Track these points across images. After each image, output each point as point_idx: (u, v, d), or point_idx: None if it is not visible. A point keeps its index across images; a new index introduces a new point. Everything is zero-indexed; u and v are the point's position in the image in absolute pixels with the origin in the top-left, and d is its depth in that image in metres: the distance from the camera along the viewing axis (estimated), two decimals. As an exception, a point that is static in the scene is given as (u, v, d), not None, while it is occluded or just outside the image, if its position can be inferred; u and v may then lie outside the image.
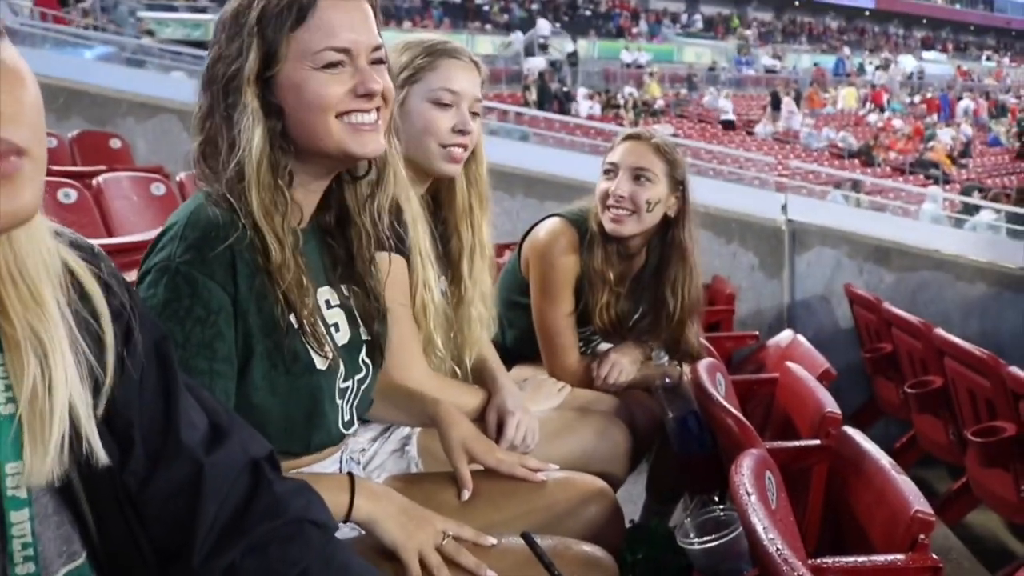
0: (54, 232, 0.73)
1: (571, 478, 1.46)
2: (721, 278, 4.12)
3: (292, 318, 1.11)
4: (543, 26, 19.97)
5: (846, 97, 22.19)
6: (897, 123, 20.71)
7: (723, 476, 1.45)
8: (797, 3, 31.39)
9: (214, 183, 1.11)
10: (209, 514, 0.79)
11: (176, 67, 8.44)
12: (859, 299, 4.08)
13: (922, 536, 1.25)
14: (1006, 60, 32.58)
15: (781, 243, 4.39)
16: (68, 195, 3.38)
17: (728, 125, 17.88)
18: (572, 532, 1.33)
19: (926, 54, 31.16)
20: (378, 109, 1.14)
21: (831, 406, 1.69)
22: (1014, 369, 2.65)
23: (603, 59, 21.35)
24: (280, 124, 1.11)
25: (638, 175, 2.05)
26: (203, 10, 14.49)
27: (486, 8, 23.09)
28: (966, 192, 11.77)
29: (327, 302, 1.22)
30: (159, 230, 1.13)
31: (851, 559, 1.27)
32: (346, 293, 1.25)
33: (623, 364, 2.07)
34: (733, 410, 1.62)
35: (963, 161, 19.14)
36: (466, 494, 1.36)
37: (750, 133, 18.09)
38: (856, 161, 17.58)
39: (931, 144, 19.04)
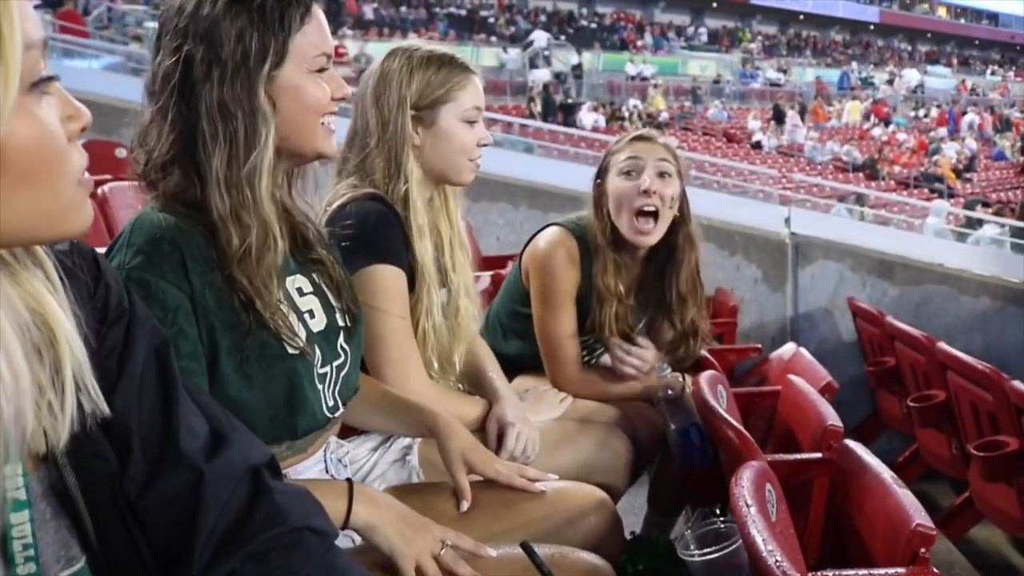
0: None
1: (571, 488, 1.45)
2: (724, 290, 4.12)
3: (258, 308, 1.12)
4: (540, 37, 20.00)
5: (850, 111, 22.23)
6: (901, 137, 20.73)
7: (725, 488, 1.45)
8: (802, 17, 31.49)
9: (182, 194, 1.12)
10: (209, 521, 0.79)
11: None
12: (862, 312, 4.07)
13: (923, 550, 1.24)
14: (1011, 75, 32.61)
15: (784, 256, 4.39)
16: (73, 203, 3.39)
17: (756, 146, 17.84)
18: (571, 542, 1.32)
19: (931, 68, 31.22)
20: None
21: (833, 419, 1.68)
22: (1017, 383, 2.64)
23: (608, 71, 21.41)
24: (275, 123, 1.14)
25: (662, 170, 2.03)
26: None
27: (491, 20, 23.20)
28: (970, 206, 11.77)
29: (299, 290, 1.24)
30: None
31: (852, 572, 1.26)
32: (317, 279, 1.27)
33: (646, 356, 2.08)
34: (734, 422, 1.62)
35: (967, 175, 19.15)
36: (465, 505, 1.36)
37: (754, 146, 18.11)
38: (860, 175, 17.60)
39: (935, 158, 19.06)
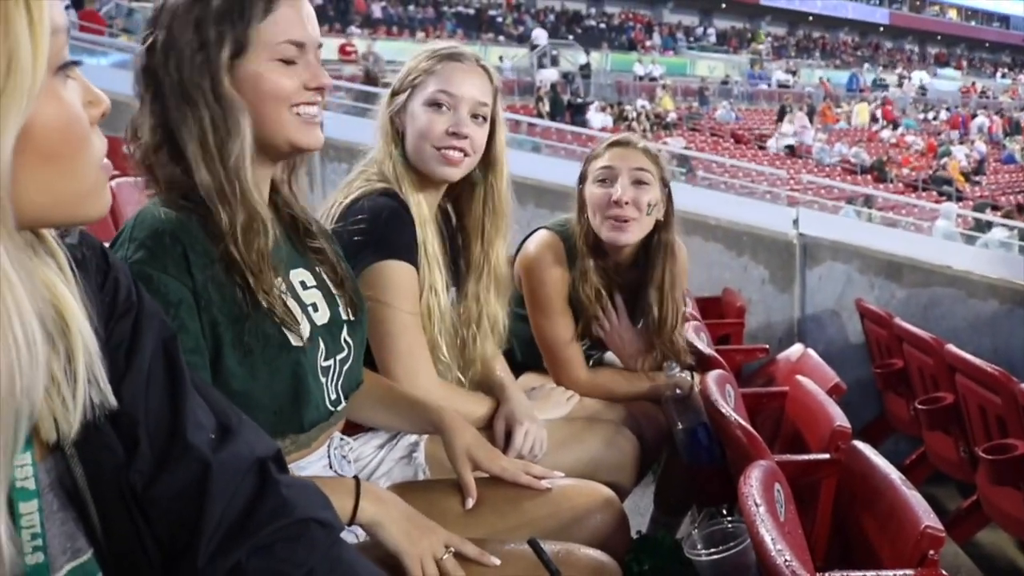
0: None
1: (577, 486, 1.45)
2: (732, 291, 4.11)
3: (261, 301, 1.12)
4: (540, 36, 19.97)
5: (859, 113, 22.17)
6: (910, 139, 20.67)
7: (732, 489, 1.44)
8: (811, 18, 31.42)
9: (178, 180, 1.14)
10: (215, 514, 0.78)
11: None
12: (870, 314, 4.06)
13: (932, 552, 1.23)
14: (1021, 77, 32.47)
15: (792, 257, 4.38)
16: (82, 199, 3.40)
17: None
18: (577, 540, 1.31)
19: (940, 71, 31.12)
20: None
21: (841, 420, 1.68)
22: (1026, 386, 2.63)
23: (616, 71, 21.39)
24: None
25: (638, 178, 1.99)
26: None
27: (499, 20, 23.21)
28: (979, 209, 11.73)
29: (302, 283, 1.24)
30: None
31: (859, 573, 1.26)
32: (319, 273, 1.28)
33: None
34: (742, 422, 1.61)
35: (976, 178, 19.08)
36: (470, 502, 1.36)
37: (761, 147, 18.08)
38: (868, 177, 17.54)
39: (944, 161, 18.99)
